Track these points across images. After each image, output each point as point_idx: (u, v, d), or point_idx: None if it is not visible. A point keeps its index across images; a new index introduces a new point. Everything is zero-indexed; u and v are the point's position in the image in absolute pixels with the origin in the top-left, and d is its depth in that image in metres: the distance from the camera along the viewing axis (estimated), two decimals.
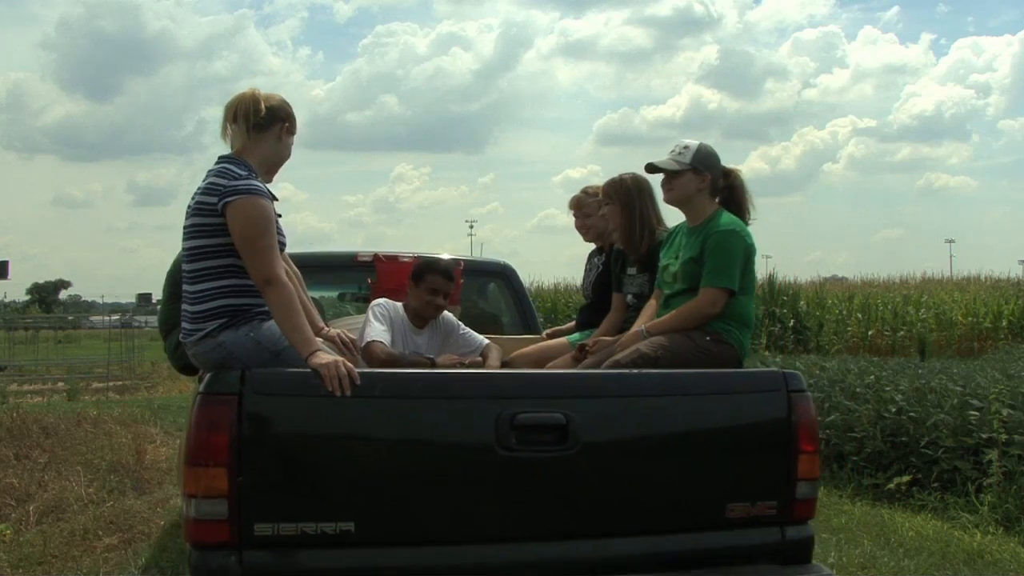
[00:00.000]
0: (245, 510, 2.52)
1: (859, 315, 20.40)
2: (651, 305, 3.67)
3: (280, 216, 3.15)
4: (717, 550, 2.88)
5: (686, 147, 3.57)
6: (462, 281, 4.58)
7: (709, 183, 3.56)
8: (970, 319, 20.38)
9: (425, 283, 3.83)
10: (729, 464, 2.93)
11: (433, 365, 3.67)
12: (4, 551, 5.04)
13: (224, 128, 3.08)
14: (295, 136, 3.16)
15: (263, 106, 3.01)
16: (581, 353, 3.72)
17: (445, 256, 5.03)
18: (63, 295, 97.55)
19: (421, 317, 3.89)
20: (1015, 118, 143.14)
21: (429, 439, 2.72)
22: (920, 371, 8.50)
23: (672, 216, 3.93)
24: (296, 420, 2.64)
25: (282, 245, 3.07)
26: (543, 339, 4.40)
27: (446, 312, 3.99)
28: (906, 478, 6.35)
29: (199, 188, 2.97)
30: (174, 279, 3.34)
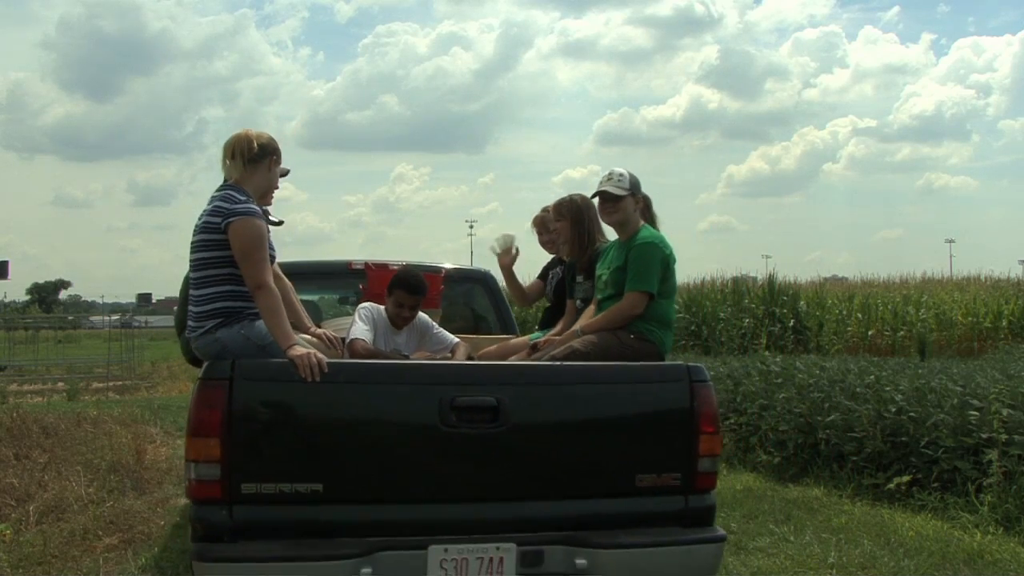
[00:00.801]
0: (234, 472, 3.07)
1: (859, 315, 20.37)
2: (590, 309, 4.28)
3: (281, 223, 3.91)
4: (628, 514, 3.38)
5: (621, 175, 4.15)
6: (443, 287, 5.21)
7: (640, 204, 4.22)
8: (970, 319, 20.35)
9: (394, 296, 4.38)
10: (639, 441, 3.45)
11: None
12: (4, 551, 5.04)
13: (223, 162, 3.65)
14: (280, 166, 3.75)
15: (255, 144, 3.60)
16: (533, 351, 4.24)
17: (446, 265, 5.64)
18: (63, 295, 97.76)
19: (397, 320, 4.43)
20: (1015, 118, 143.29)
21: (384, 417, 3.27)
22: (920, 371, 8.50)
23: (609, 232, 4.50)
24: (276, 400, 3.21)
25: (272, 257, 3.64)
26: (514, 338, 4.89)
27: (422, 314, 4.51)
28: (906, 478, 6.34)
29: (206, 210, 3.50)
30: (187, 285, 3.80)
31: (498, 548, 3.20)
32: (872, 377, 7.78)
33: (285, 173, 3.86)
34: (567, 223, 4.54)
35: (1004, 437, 5.79)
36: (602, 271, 4.22)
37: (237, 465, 3.09)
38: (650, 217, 4.29)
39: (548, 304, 5.10)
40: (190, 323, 3.54)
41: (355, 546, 3.10)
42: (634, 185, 4.15)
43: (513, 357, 4.32)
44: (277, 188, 3.80)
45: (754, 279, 21.66)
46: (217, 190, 3.59)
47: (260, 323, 3.42)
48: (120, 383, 19.86)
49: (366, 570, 3.07)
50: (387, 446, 3.27)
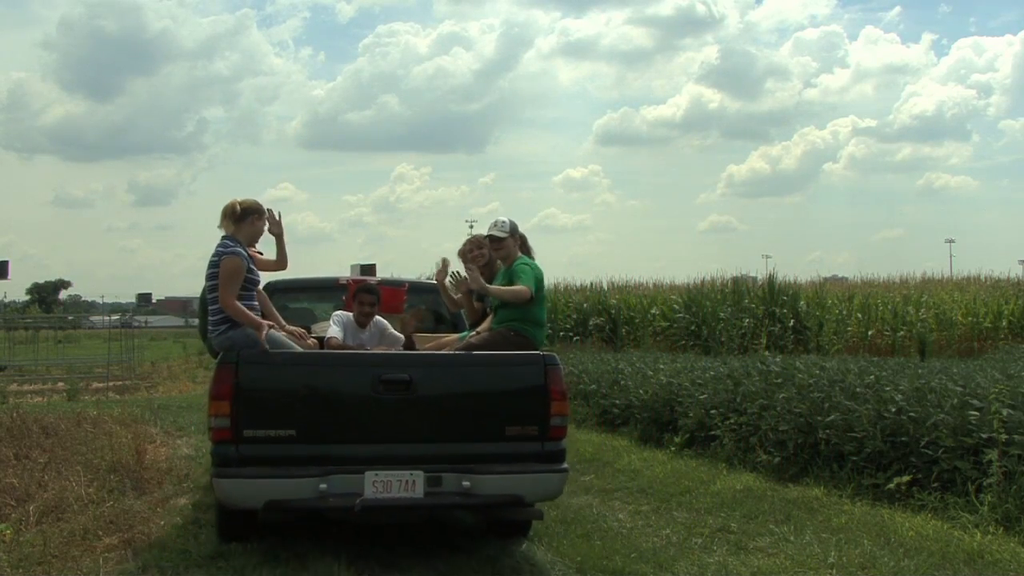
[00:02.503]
0: (239, 422, 4.74)
1: (859, 315, 20.38)
2: (490, 317, 5.89)
3: (261, 253, 5.71)
4: (500, 453, 4.97)
5: (504, 222, 5.78)
6: (405, 297, 6.78)
7: (518, 241, 5.80)
8: (970, 319, 20.36)
9: (358, 300, 6.12)
10: (508, 405, 5.09)
11: None
12: (4, 551, 5.04)
13: (222, 221, 5.38)
14: (264, 218, 5.46)
15: (239, 208, 5.35)
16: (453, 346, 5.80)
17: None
18: (63, 295, 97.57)
19: (361, 320, 6.08)
20: (1016, 118, 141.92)
21: (335, 387, 4.96)
22: (920, 371, 8.51)
23: None
24: (265, 377, 4.91)
25: (255, 281, 5.38)
26: (451, 335, 6.35)
27: (379, 318, 6.17)
28: (906, 478, 6.34)
29: (215, 251, 5.24)
30: (203, 301, 5.53)
31: (411, 474, 4.79)
32: (872, 377, 7.78)
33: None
34: (488, 251, 6.12)
35: (1004, 437, 5.79)
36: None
37: (240, 418, 4.74)
38: (527, 249, 5.97)
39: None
40: (209, 327, 5.26)
41: (316, 471, 4.71)
42: (513, 229, 5.79)
43: (446, 348, 5.82)
44: (262, 233, 5.50)
45: (754, 279, 21.66)
46: (223, 238, 5.35)
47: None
48: (120, 383, 19.85)
49: (323, 486, 4.69)
50: (337, 406, 4.93)
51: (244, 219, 5.32)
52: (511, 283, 5.52)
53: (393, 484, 4.75)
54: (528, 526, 5.63)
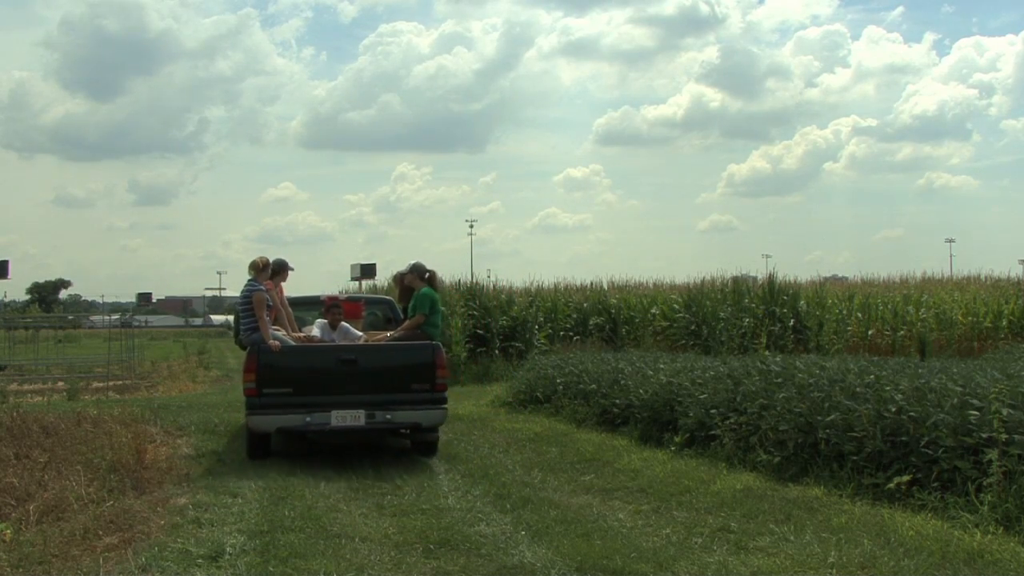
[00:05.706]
0: (260, 384, 8.43)
1: (859, 315, 20.37)
2: (408, 320, 9.67)
3: (269, 290, 9.22)
4: (407, 399, 8.60)
5: (416, 264, 9.84)
6: (363, 308, 10.58)
7: (421, 278, 9.83)
8: (970, 319, 20.37)
9: (329, 312, 9.49)
10: (412, 371, 8.76)
11: None
12: (4, 551, 5.04)
13: (250, 271, 9.02)
14: (270, 265, 9.31)
15: (261, 263, 9.13)
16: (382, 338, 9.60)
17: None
18: (63, 295, 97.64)
19: (333, 325, 9.40)
20: (1017, 118, 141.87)
21: (316, 364, 8.73)
22: (920, 371, 8.50)
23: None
24: (275, 359, 8.52)
25: (271, 306, 8.88)
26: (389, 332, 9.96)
27: (343, 323, 9.43)
28: (906, 478, 6.34)
29: (245, 289, 8.92)
30: (237, 315, 9.33)
31: (357, 412, 8.39)
32: (872, 377, 7.77)
33: (289, 269, 9.66)
34: (407, 284, 10.02)
35: (1004, 437, 5.79)
36: (411, 304, 9.59)
37: (261, 381, 8.32)
38: (434, 283, 9.87)
39: (402, 316, 10.35)
40: (241, 331, 8.79)
41: (303, 411, 8.33)
42: (421, 269, 9.80)
43: (383, 339, 9.39)
44: (272, 278, 9.16)
45: (754, 279, 21.63)
46: (249, 280, 8.89)
47: (273, 332, 8.61)
48: (120, 383, 19.86)
49: (307, 419, 8.30)
50: (315, 374, 8.54)
51: (262, 271, 8.94)
52: (417, 305, 9.39)
53: (347, 417, 8.37)
54: (435, 448, 8.97)
